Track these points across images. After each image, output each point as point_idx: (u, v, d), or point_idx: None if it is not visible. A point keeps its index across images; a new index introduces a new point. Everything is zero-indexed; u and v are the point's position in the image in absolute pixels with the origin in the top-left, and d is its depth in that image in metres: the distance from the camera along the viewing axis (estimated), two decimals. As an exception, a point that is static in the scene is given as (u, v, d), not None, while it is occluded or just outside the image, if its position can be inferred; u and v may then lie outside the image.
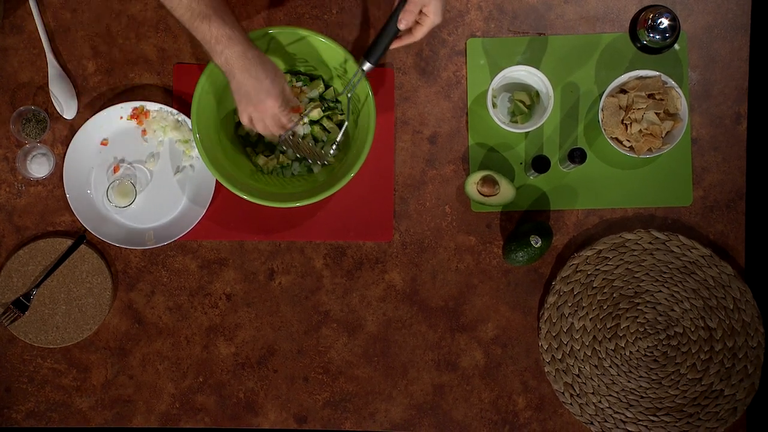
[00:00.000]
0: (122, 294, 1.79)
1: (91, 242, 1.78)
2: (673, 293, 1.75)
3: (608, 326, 1.76)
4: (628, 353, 1.76)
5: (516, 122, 1.77)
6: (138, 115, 1.77)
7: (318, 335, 1.79)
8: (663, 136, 1.73)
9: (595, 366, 1.76)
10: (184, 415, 1.79)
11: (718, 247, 1.79)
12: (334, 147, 1.71)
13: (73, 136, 1.76)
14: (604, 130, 1.73)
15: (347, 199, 1.78)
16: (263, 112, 1.58)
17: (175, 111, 1.76)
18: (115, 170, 1.78)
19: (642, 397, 1.75)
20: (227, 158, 1.70)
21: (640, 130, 1.72)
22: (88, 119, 1.76)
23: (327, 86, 1.77)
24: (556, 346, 1.76)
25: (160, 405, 1.79)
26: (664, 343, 1.75)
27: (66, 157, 1.76)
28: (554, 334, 1.76)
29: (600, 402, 1.75)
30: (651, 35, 1.69)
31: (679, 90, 1.72)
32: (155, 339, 1.79)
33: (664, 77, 1.72)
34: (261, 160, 1.75)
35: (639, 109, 1.71)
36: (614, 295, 1.76)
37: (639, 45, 1.72)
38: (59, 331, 1.77)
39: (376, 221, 1.78)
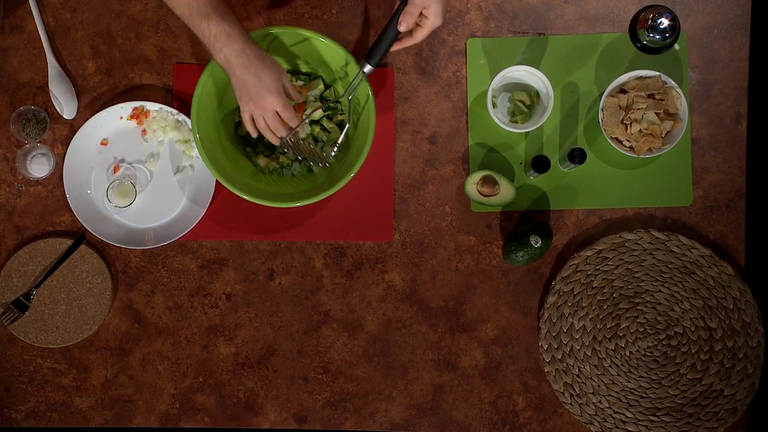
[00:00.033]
0: (122, 294, 1.79)
1: (91, 242, 1.78)
2: (673, 293, 1.75)
3: (608, 326, 1.76)
4: (628, 353, 1.76)
5: (516, 122, 1.77)
6: (138, 115, 1.77)
7: (318, 335, 1.79)
8: (663, 136, 1.73)
9: (595, 366, 1.76)
10: (184, 415, 1.79)
11: (718, 247, 1.79)
12: (335, 149, 1.71)
13: (73, 136, 1.76)
14: (604, 130, 1.73)
15: (347, 199, 1.78)
16: (263, 108, 1.58)
17: (175, 111, 1.76)
18: (115, 170, 1.78)
19: (642, 397, 1.75)
20: (227, 158, 1.70)
21: (640, 130, 1.72)
22: (88, 119, 1.76)
23: (327, 86, 1.77)
24: (556, 346, 1.76)
25: (160, 405, 1.79)
26: (664, 343, 1.75)
27: (66, 157, 1.76)
28: (554, 334, 1.76)
29: (600, 402, 1.75)
30: (651, 35, 1.69)
31: (679, 90, 1.72)
32: (155, 339, 1.79)
33: (664, 77, 1.72)
34: (261, 160, 1.75)
35: (639, 109, 1.71)
36: (614, 295, 1.76)
37: (639, 45, 1.72)
38: (59, 331, 1.77)
39: (376, 221, 1.78)
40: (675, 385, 1.75)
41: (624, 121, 1.73)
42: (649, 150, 1.72)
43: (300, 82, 1.75)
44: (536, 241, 1.69)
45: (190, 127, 1.69)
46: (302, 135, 1.73)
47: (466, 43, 1.80)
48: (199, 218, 1.76)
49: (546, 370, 1.76)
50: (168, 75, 1.80)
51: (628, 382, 1.75)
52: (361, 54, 1.78)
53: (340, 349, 1.79)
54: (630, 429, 1.75)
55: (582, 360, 1.75)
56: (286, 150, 1.75)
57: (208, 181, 1.76)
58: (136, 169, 1.78)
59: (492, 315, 1.78)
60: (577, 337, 1.75)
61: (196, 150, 1.71)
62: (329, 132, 1.75)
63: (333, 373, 1.79)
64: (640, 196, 1.78)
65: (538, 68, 1.73)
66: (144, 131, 1.78)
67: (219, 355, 1.79)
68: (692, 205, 1.79)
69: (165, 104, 1.77)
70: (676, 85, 1.72)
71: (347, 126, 1.69)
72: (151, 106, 1.76)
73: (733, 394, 1.74)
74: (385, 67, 1.79)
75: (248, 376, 1.79)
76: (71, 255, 1.77)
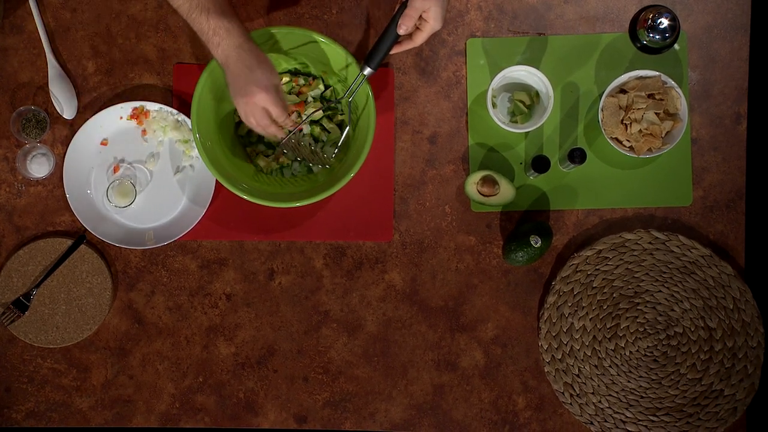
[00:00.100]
0: (122, 294, 1.79)
1: (91, 242, 1.78)
2: (673, 293, 1.75)
3: (608, 326, 1.76)
4: (628, 353, 1.76)
5: (516, 122, 1.77)
6: (138, 115, 1.77)
7: (318, 335, 1.79)
8: (663, 136, 1.73)
9: (595, 366, 1.76)
10: (184, 415, 1.79)
11: (718, 247, 1.79)
12: (335, 150, 1.70)
13: (73, 136, 1.76)
14: (604, 130, 1.73)
15: (347, 199, 1.78)
16: (253, 104, 1.57)
17: (175, 111, 1.76)
18: (115, 170, 1.78)
19: (642, 397, 1.75)
20: (227, 158, 1.70)
21: (640, 130, 1.72)
22: (88, 119, 1.76)
23: (327, 86, 1.77)
24: (556, 346, 1.76)
25: (160, 405, 1.79)
26: (664, 343, 1.75)
27: (66, 157, 1.76)
28: (554, 334, 1.76)
29: (600, 402, 1.75)
30: (651, 35, 1.69)
31: (679, 90, 1.72)
32: (155, 339, 1.79)
33: (664, 77, 1.72)
34: (261, 161, 1.75)
35: (639, 109, 1.71)
36: (614, 295, 1.76)
37: (639, 45, 1.72)
38: (59, 331, 1.77)
39: (376, 221, 1.78)
40: (675, 385, 1.75)
41: (624, 121, 1.73)
42: (649, 150, 1.72)
43: (300, 82, 1.75)
44: (536, 241, 1.69)
45: (190, 127, 1.69)
46: (302, 135, 1.73)
47: (466, 43, 1.80)
48: (199, 218, 1.76)
49: (546, 370, 1.76)
50: (168, 75, 1.80)
51: (628, 382, 1.75)
52: (361, 54, 1.78)
53: (340, 349, 1.79)
54: (630, 429, 1.75)
55: (582, 360, 1.75)
56: (286, 150, 1.75)
57: (208, 181, 1.76)
58: (136, 169, 1.78)
59: (492, 315, 1.78)
60: (577, 337, 1.75)
61: (196, 150, 1.71)
62: (329, 132, 1.75)
63: (333, 373, 1.79)
64: (640, 196, 1.78)
65: (538, 68, 1.73)
66: (144, 131, 1.78)
67: (219, 355, 1.79)
68: (692, 205, 1.79)
69: (165, 104, 1.77)
70: (676, 85, 1.72)
71: (347, 128, 1.69)
72: (151, 106, 1.76)
73: (733, 394, 1.74)
74: (385, 67, 1.79)
75: (248, 376, 1.79)
76: (71, 255, 1.77)
